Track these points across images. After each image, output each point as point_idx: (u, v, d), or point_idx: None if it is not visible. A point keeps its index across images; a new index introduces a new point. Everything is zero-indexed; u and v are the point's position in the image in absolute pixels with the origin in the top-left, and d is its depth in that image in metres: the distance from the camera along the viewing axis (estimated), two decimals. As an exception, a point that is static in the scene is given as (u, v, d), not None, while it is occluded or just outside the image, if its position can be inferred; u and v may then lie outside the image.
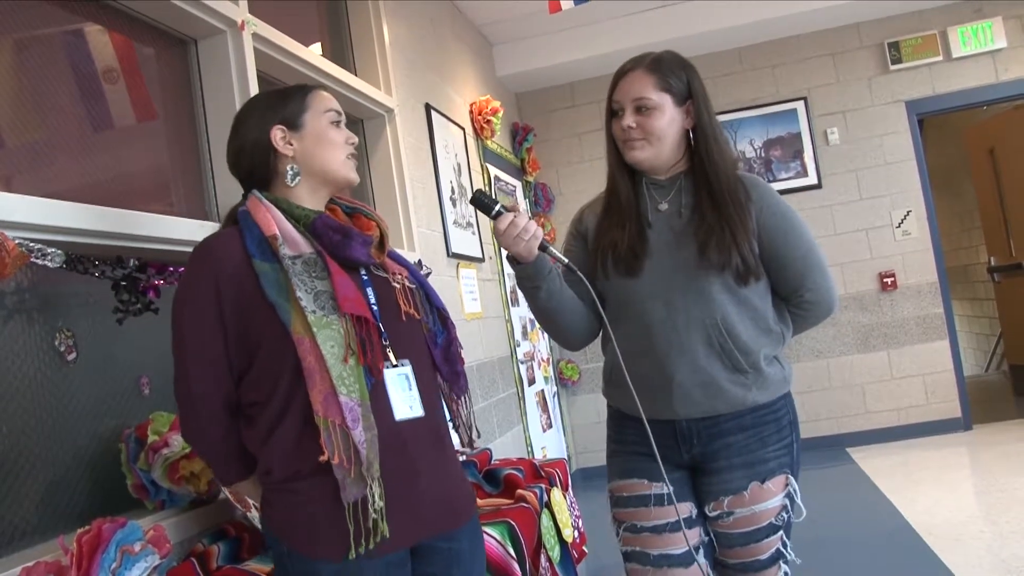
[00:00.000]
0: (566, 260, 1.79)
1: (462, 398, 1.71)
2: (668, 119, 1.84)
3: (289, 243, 1.47)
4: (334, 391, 1.39)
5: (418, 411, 1.52)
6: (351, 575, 1.42)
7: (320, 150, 1.56)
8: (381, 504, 1.41)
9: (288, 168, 1.55)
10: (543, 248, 1.75)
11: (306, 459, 1.41)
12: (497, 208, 1.75)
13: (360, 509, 1.40)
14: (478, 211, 1.87)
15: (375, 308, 1.52)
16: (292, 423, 1.42)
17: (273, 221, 1.49)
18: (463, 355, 1.74)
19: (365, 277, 1.57)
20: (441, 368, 1.66)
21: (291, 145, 1.56)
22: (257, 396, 1.46)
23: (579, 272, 1.80)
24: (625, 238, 1.87)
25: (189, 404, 1.48)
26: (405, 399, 1.50)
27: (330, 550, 1.41)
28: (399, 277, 1.62)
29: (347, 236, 1.52)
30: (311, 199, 1.57)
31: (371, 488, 1.40)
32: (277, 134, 1.55)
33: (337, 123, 1.61)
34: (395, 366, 1.51)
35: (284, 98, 1.60)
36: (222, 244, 1.49)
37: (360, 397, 1.41)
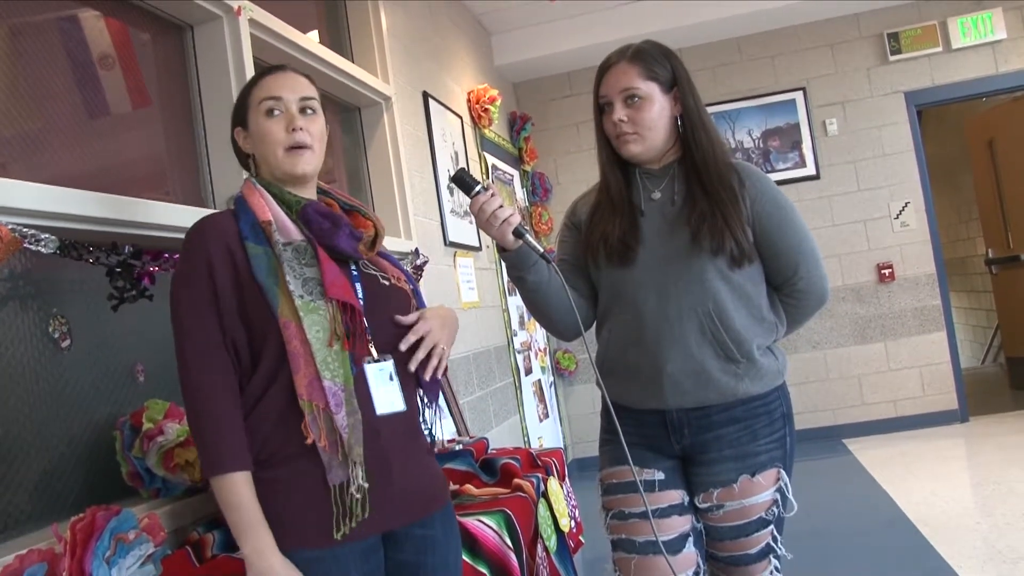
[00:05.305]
0: (541, 249, 1.77)
1: (434, 404, 1.68)
2: (658, 108, 1.84)
3: (281, 230, 1.50)
4: (318, 375, 1.41)
5: (400, 406, 1.52)
6: (328, 561, 1.42)
7: (262, 147, 1.58)
8: (365, 485, 1.42)
9: (251, 163, 1.63)
10: (519, 235, 1.73)
11: (285, 443, 1.42)
12: (477, 189, 1.72)
13: (345, 491, 1.41)
14: (460, 191, 1.84)
15: (362, 303, 1.52)
16: (273, 406, 1.43)
17: (267, 207, 1.52)
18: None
19: (355, 272, 1.57)
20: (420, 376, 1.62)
21: (249, 143, 1.62)
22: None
23: (552, 263, 1.78)
24: (616, 229, 1.86)
25: (194, 389, 1.42)
26: (388, 393, 1.51)
27: (308, 537, 1.41)
28: (392, 279, 1.62)
29: (335, 224, 1.53)
30: (290, 187, 1.59)
31: (353, 471, 1.41)
32: (240, 136, 1.63)
33: (271, 112, 1.56)
34: (377, 361, 1.51)
35: (241, 95, 1.64)
36: (214, 224, 1.51)
37: (344, 382, 1.43)
